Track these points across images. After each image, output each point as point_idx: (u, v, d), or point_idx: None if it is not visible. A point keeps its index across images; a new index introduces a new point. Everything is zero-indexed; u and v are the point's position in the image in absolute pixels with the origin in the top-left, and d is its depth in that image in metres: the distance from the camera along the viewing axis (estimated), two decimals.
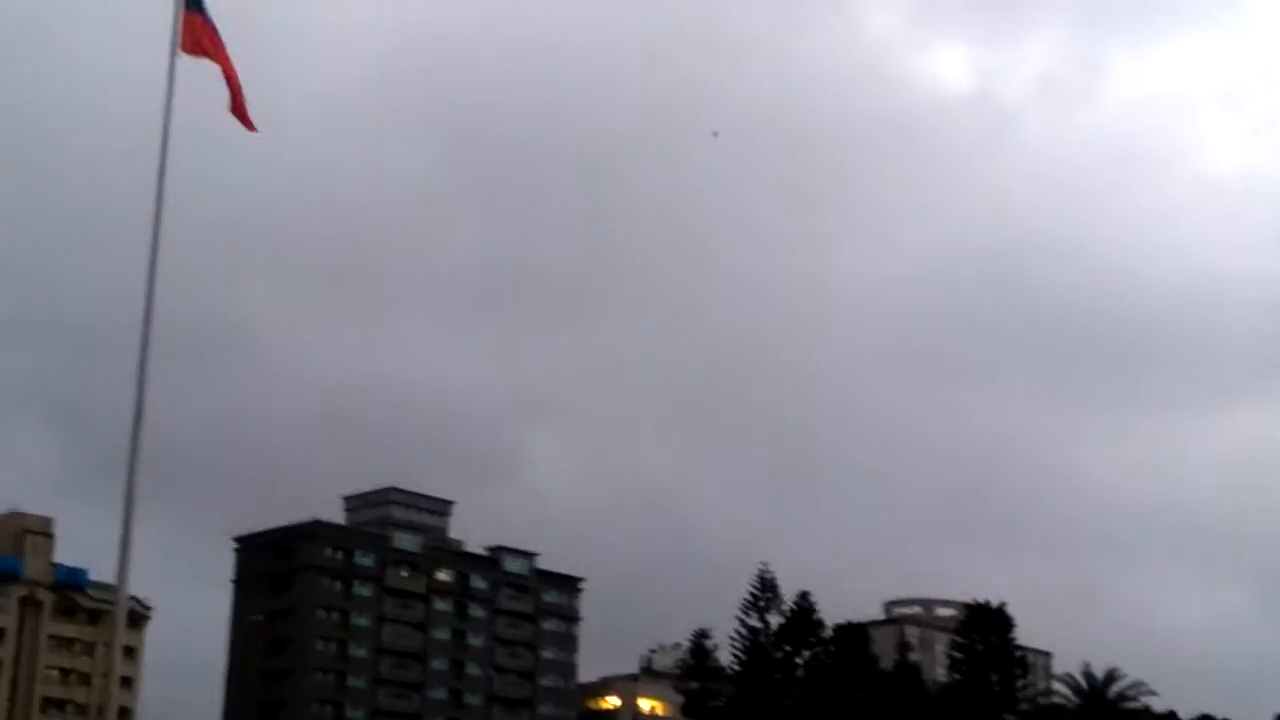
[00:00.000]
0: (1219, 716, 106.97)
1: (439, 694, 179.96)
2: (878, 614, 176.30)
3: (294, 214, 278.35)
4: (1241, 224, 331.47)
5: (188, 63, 28.64)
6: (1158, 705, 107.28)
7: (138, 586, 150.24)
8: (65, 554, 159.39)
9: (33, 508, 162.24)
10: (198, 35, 28.64)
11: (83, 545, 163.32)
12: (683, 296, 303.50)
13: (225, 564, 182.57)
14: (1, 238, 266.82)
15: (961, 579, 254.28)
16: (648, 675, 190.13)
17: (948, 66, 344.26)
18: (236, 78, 28.85)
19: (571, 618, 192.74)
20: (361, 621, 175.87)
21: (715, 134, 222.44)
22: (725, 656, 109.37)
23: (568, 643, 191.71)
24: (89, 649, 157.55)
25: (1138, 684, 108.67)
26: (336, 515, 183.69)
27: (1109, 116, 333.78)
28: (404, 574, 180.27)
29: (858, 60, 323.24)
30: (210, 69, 28.70)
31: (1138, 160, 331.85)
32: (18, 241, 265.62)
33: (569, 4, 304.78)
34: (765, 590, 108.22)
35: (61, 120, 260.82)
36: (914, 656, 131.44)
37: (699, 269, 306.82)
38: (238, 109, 28.86)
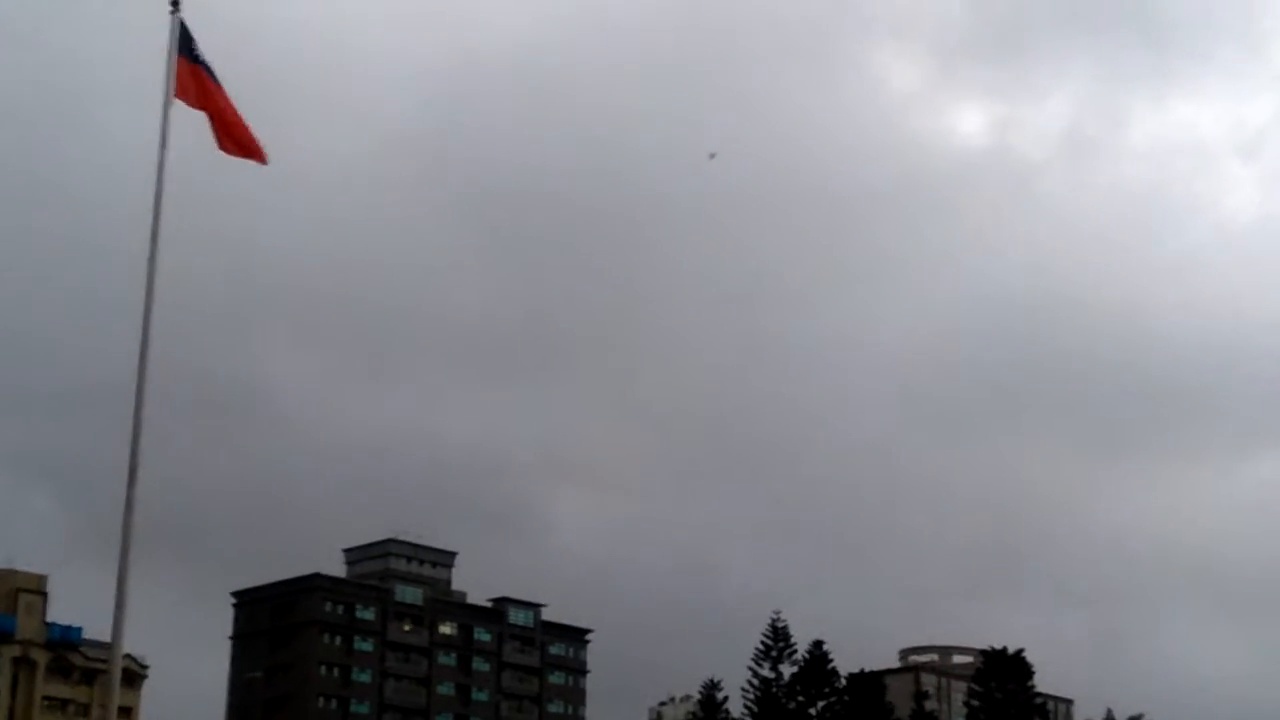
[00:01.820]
0: None
1: None
2: (893, 662, 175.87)
3: (311, 272, 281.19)
4: (1260, 273, 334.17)
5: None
6: None
7: (134, 645, 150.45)
8: (61, 613, 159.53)
9: (29, 567, 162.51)
10: (188, 83, 28.77)
11: (79, 604, 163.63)
12: (711, 356, 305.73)
13: (224, 620, 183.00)
14: (5, 306, 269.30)
15: (979, 627, 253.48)
16: None
17: (969, 123, 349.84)
18: (236, 114, 28.91)
19: (579, 670, 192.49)
20: (363, 677, 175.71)
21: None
22: (736, 708, 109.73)
23: (575, 696, 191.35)
24: (84, 709, 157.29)
25: None
26: (337, 569, 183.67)
27: (1130, 168, 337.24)
28: (406, 627, 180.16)
29: (881, 119, 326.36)
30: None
31: (1158, 211, 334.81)
32: (22, 308, 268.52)
33: (592, 64, 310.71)
34: (778, 639, 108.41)
35: (67, 180, 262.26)
36: (930, 705, 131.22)
37: (728, 330, 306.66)
38: (240, 146, 28.92)
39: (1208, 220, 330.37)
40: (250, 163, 29.64)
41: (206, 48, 29.05)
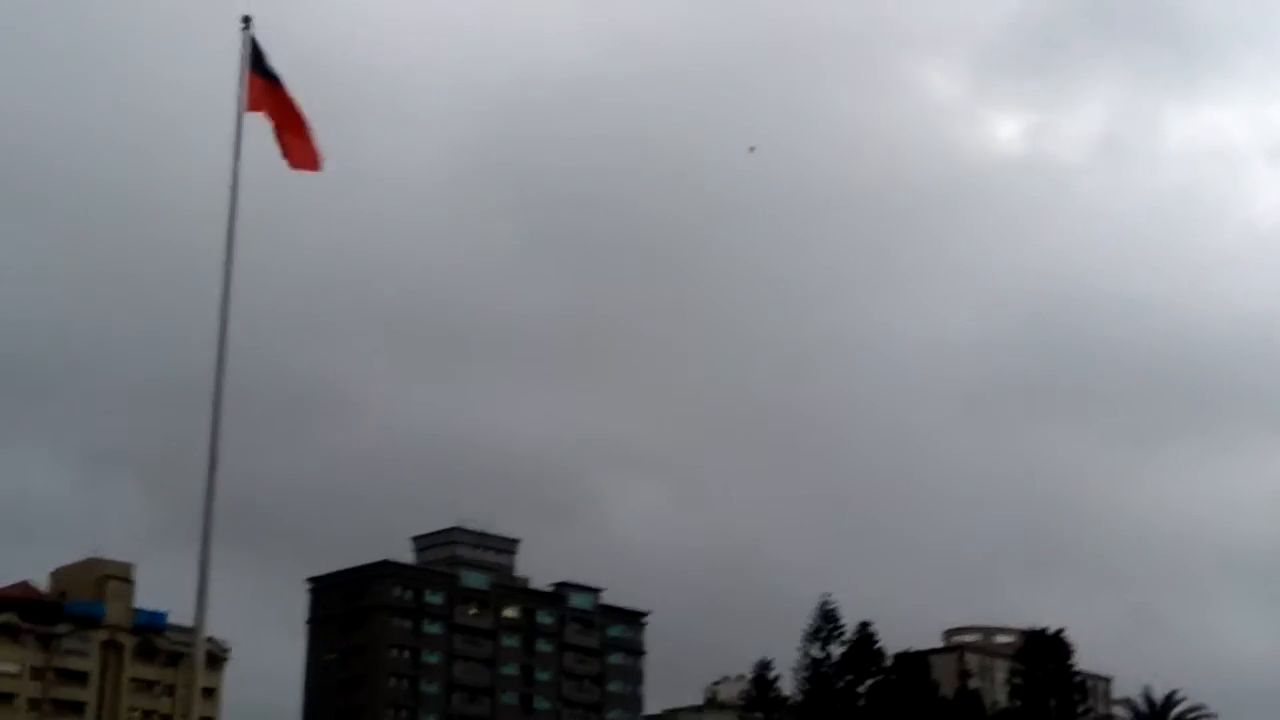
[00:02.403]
0: None
1: None
2: (938, 642, 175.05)
3: (381, 274, 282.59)
4: (1277, 274, 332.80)
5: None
6: None
7: (216, 629, 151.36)
8: (147, 599, 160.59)
9: (117, 556, 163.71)
10: (260, 96, 28.95)
11: (165, 591, 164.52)
12: (761, 351, 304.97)
13: (301, 605, 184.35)
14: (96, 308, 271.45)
15: (1021, 608, 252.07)
16: (712, 707, 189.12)
17: (1007, 130, 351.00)
18: (302, 124, 29.05)
19: (636, 651, 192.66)
20: (431, 658, 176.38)
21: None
22: (788, 686, 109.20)
23: (633, 675, 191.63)
24: (169, 690, 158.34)
25: (1198, 707, 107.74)
26: (406, 555, 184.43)
27: (1162, 171, 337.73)
28: (472, 611, 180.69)
29: (923, 127, 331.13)
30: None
31: (1189, 212, 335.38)
32: (110, 309, 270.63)
33: (643, 77, 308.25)
34: (827, 621, 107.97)
35: (152, 191, 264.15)
36: (974, 683, 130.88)
37: (776, 325, 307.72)
38: (302, 154, 29.08)
39: (1236, 220, 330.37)
40: (322, 172, 30.07)
41: (279, 63, 29.29)
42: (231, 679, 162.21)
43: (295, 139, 28.87)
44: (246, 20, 28.89)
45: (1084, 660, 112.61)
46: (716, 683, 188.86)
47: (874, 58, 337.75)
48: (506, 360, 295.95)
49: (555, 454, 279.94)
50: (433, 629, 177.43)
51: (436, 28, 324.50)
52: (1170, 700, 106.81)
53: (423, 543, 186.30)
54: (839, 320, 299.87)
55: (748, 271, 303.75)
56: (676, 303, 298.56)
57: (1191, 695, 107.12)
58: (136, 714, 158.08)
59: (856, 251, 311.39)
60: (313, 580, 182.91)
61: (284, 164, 28.93)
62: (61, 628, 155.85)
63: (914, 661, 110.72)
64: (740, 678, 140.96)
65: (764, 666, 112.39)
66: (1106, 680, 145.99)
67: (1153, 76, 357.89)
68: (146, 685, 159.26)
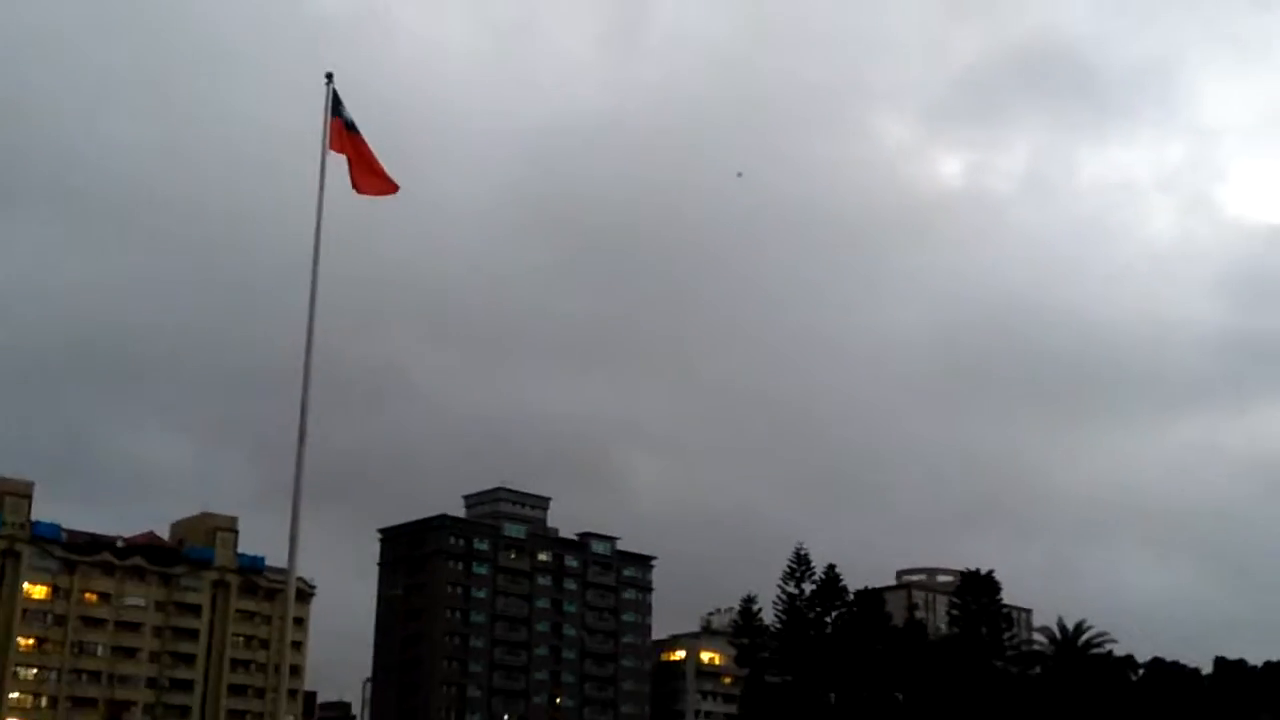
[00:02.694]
0: (1167, 659, 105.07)
1: (542, 651, 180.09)
2: (891, 581, 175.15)
3: (441, 282, 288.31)
4: (1177, 282, 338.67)
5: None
6: (1118, 651, 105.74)
7: (304, 569, 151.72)
8: (249, 546, 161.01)
9: (224, 510, 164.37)
10: (340, 137, 28.96)
11: (263, 539, 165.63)
12: (750, 345, 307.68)
13: (373, 551, 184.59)
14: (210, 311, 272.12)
15: (960, 554, 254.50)
16: (707, 633, 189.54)
17: (951, 167, 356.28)
18: (374, 159, 29.08)
19: (646, 589, 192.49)
20: (479, 594, 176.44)
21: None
22: (769, 617, 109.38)
23: (643, 608, 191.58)
24: (266, 620, 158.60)
25: (1102, 634, 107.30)
26: (458, 510, 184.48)
27: (1077, 202, 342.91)
28: (512, 556, 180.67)
29: (881, 164, 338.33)
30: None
31: (1099, 234, 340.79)
32: (221, 311, 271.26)
33: (655, 121, 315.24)
34: (800, 564, 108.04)
35: (259, 216, 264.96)
36: (920, 615, 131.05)
37: (764, 324, 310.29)
38: (373, 184, 29.10)
39: (1137, 240, 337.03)
40: (388, 197, 30.08)
41: (355, 110, 29.29)
42: (317, 610, 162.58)
43: (367, 172, 28.93)
44: (329, 76, 28.93)
45: (1010, 596, 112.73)
46: (710, 614, 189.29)
47: (842, 107, 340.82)
48: (541, 353, 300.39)
49: (581, 429, 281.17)
50: (480, 570, 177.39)
51: (484, 83, 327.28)
52: (1079, 628, 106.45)
53: (472, 500, 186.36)
54: (814, 321, 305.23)
55: (739, 281, 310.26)
56: (681, 306, 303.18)
57: (1096, 624, 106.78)
58: (240, 639, 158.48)
59: (828, 265, 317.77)
60: (383, 531, 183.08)
61: (353, 195, 29.06)
62: (179, 569, 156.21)
63: (871, 597, 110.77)
64: (730, 610, 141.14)
65: (749, 601, 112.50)
66: (1027, 612, 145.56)
67: (1069, 123, 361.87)
68: (248, 616, 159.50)
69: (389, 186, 29.27)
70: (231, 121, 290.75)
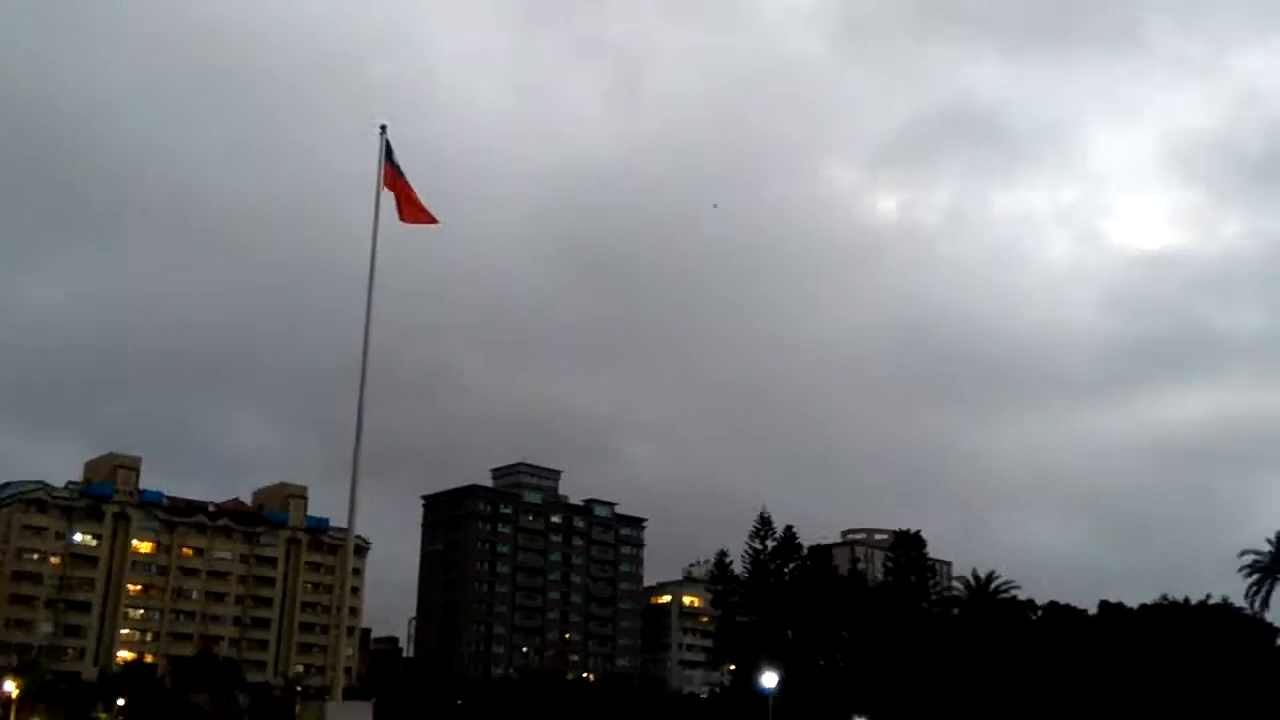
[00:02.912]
0: (1061, 603, 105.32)
1: (554, 596, 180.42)
2: (837, 539, 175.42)
3: (479, 295, 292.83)
4: (1071, 299, 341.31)
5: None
6: (1021, 595, 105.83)
7: (361, 529, 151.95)
8: (316, 509, 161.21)
9: (296, 481, 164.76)
10: (392, 178, 29.33)
11: (328, 504, 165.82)
12: (727, 347, 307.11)
13: (417, 514, 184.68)
14: (295, 316, 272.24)
15: (895, 517, 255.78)
16: (689, 581, 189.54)
17: (888, 204, 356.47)
18: (414, 194, 29.45)
19: (639, 545, 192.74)
20: (504, 549, 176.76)
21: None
22: (738, 568, 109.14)
23: (636, 561, 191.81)
24: (330, 570, 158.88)
25: (1008, 582, 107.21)
26: (487, 481, 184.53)
27: (989, 233, 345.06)
28: (530, 518, 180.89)
29: (833, 201, 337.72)
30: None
31: (1010, 260, 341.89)
32: (297, 321, 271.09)
33: (651, 165, 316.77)
34: (764, 525, 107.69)
35: (324, 246, 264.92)
36: (861, 566, 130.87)
37: (738, 330, 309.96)
38: (415, 215, 29.47)
39: (1039, 265, 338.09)
40: (437, 228, 30.51)
41: (404, 155, 29.61)
42: (371, 563, 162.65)
43: (412, 206, 29.31)
44: (383, 127, 29.21)
45: (934, 551, 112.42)
46: (691, 565, 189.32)
47: (802, 156, 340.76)
48: (558, 354, 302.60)
49: (588, 415, 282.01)
50: (504, 530, 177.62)
51: (513, 134, 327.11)
52: (990, 577, 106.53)
53: (498, 473, 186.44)
54: (779, 328, 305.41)
55: (719, 295, 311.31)
56: (672, 316, 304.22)
57: (1004, 574, 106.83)
58: (308, 585, 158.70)
59: (790, 282, 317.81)
60: (425, 497, 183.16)
61: (403, 223, 29.43)
62: (260, 529, 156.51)
63: (821, 552, 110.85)
64: (707, 562, 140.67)
65: (722, 555, 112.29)
66: (948, 564, 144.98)
67: (984, 169, 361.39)
68: (315, 567, 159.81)
69: (430, 219, 29.66)
70: (303, 163, 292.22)
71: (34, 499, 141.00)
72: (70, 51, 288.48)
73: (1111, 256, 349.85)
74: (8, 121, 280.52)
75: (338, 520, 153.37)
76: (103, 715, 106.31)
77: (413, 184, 29.43)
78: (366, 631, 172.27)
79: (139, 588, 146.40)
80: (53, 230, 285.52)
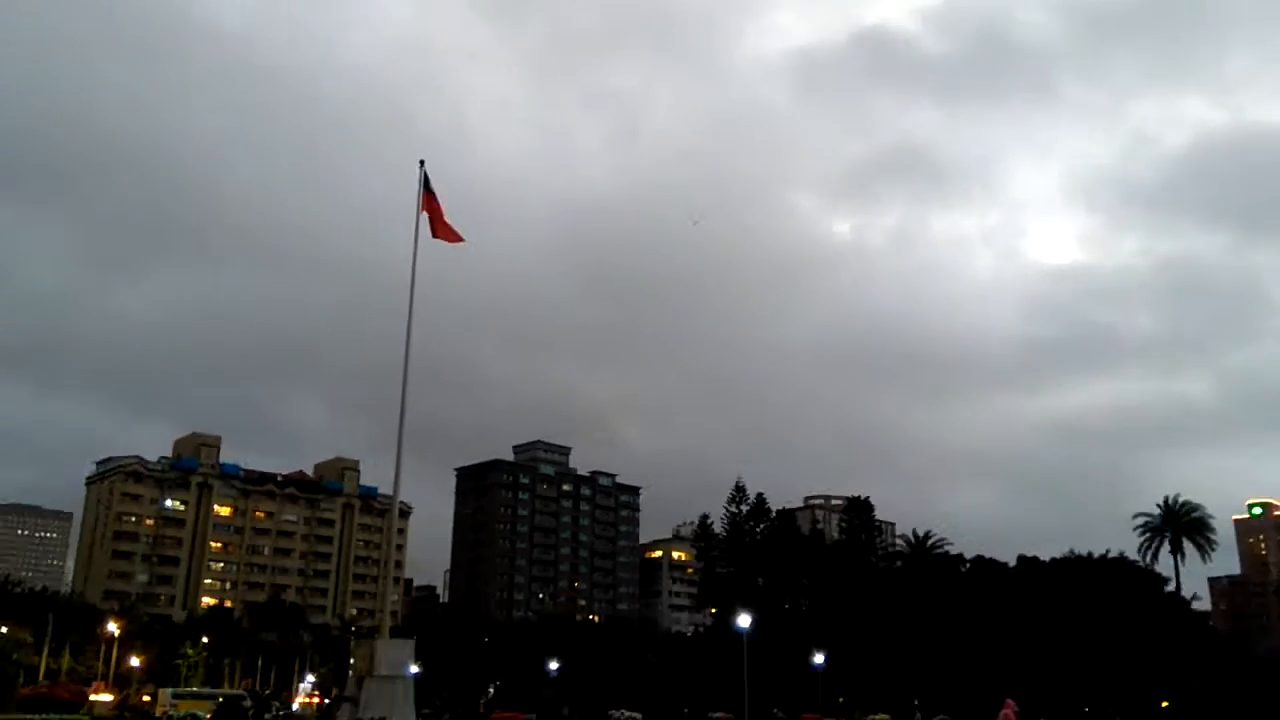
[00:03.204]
0: (985, 556, 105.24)
1: (565, 551, 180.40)
2: (800, 503, 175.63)
3: (501, 303, 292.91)
4: (993, 305, 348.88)
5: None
6: (952, 550, 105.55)
7: (405, 496, 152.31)
8: (368, 479, 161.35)
9: (350, 455, 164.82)
10: (430, 203, 29.27)
11: (378, 475, 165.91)
12: (710, 343, 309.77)
13: (451, 484, 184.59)
14: (351, 317, 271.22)
15: (848, 486, 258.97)
16: (677, 539, 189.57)
17: (843, 228, 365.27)
18: (445, 217, 29.42)
19: (635, 509, 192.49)
20: (523, 513, 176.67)
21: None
22: (718, 528, 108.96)
23: (633, 522, 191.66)
24: (378, 530, 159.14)
25: (942, 539, 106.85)
26: (508, 456, 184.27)
27: (928, 251, 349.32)
28: (545, 487, 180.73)
29: (797, 224, 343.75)
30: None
31: (945, 274, 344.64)
32: (355, 328, 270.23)
33: (645, 192, 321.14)
34: (739, 492, 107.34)
35: (373, 260, 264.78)
36: (820, 526, 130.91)
37: (719, 334, 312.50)
38: (446, 234, 29.41)
39: (968, 277, 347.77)
40: (471, 247, 30.50)
41: (439, 185, 29.56)
42: (413, 524, 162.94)
43: (444, 226, 29.28)
44: (421, 162, 29.25)
45: (881, 514, 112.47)
46: (679, 526, 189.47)
47: (771, 187, 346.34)
48: (570, 352, 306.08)
49: (594, 402, 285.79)
50: (523, 497, 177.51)
51: (533, 169, 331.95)
52: (927, 535, 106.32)
53: (518, 449, 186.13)
54: (753, 328, 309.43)
55: (704, 301, 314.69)
56: (664, 318, 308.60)
57: (938, 532, 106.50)
58: (361, 543, 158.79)
59: (759, 292, 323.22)
60: (458, 470, 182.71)
61: (435, 241, 29.43)
62: (320, 496, 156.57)
63: (787, 515, 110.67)
64: (692, 523, 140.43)
65: (705, 517, 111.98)
66: (893, 525, 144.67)
67: (923, 199, 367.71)
68: (366, 528, 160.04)
69: (457, 238, 29.63)
70: (358, 192, 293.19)
71: (132, 471, 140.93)
72: (168, 96, 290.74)
73: (1027, 270, 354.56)
74: (120, 159, 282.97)
75: (385, 488, 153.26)
76: (190, 651, 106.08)
77: (448, 210, 29.47)
78: (409, 581, 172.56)
79: (219, 545, 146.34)
80: (154, 249, 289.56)
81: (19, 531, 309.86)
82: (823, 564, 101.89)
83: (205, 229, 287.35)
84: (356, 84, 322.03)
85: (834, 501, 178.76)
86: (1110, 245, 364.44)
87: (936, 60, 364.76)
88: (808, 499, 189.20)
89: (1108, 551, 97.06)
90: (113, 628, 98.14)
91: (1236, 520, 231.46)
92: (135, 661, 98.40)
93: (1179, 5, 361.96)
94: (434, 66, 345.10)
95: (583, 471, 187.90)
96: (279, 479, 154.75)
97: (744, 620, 64.28)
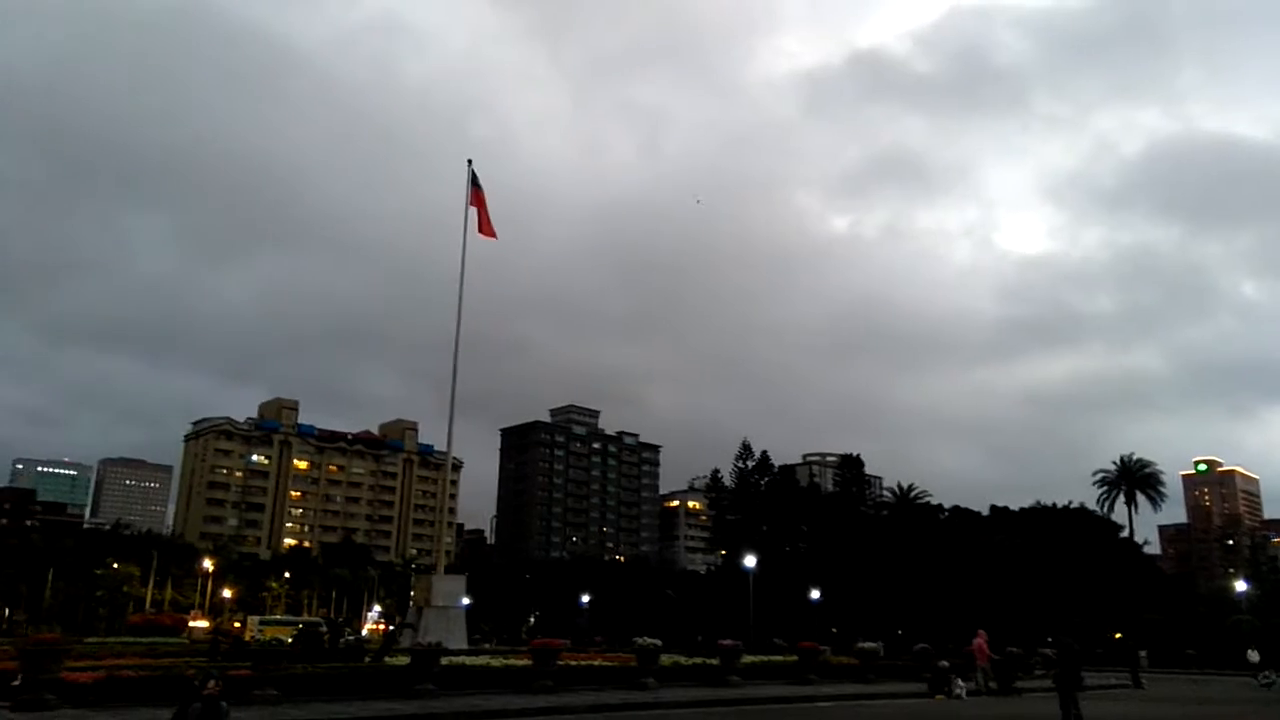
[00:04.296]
0: (962, 506, 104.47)
1: (595, 500, 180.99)
2: (799, 460, 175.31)
3: (549, 291, 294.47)
4: (971, 289, 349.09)
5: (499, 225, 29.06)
6: (933, 501, 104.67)
7: (457, 452, 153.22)
8: (426, 438, 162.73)
9: (411, 418, 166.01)
10: (477, 199, 29.14)
11: (434, 434, 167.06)
12: (722, 324, 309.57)
13: (496, 442, 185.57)
14: (412, 301, 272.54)
15: (841, 444, 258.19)
16: (692, 491, 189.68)
17: (840, 224, 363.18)
18: (486, 211, 29.32)
19: (656, 465, 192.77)
20: (559, 468, 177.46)
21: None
22: (728, 481, 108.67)
23: (654, 476, 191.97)
24: (434, 482, 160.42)
25: (924, 491, 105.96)
26: (546, 418, 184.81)
27: (913, 243, 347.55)
28: (578, 445, 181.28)
29: (798, 221, 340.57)
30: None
31: (929, 263, 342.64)
32: (414, 302, 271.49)
33: (664, 191, 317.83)
34: (746, 450, 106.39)
35: (427, 250, 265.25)
36: (816, 480, 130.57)
37: (729, 315, 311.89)
38: (487, 231, 29.31)
39: (948, 266, 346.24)
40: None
41: (486, 183, 29.43)
42: (464, 479, 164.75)
43: (486, 224, 29.28)
44: (470, 161, 29.10)
45: (870, 469, 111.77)
46: (694, 480, 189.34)
47: (776, 187, 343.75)
48: (601, 331, 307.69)
49: (622, 372, 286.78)
50: (559, 454, 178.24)
51: (571, 173, 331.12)
52: (910, 488, 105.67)
53: (555, 412, 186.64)
54: (758, 311, 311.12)
55: (716, 289, 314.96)
56: (682, 303, 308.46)
57: (921, 485, 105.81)
58: (419, 493, 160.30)
59: (766, 280, 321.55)
60: (503, 430, 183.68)
61: (482, 237, 29.27)
62: (384, 452, 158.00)
63: (787, 470, 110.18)
64: (705, 477, 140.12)
65: (716, 472, 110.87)
66: (880, 479, 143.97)
67: (909, 196, 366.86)
68: (424, 480, 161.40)
69: (493, 234, 29.60)
70: (421, 195, 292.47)
71: (223, 430, 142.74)
72: (265, 115, 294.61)
73: (1002, 259, 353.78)
74: (223, 168, 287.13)
75: (440, 446, 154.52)
76: (273, 584, 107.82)
77: (497, 208, 29.44)
78: (460, 525, 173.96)
79: (298, 494, 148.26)
80: (248, 241, 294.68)
81: (127, 482, 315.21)
82: (818, 512, 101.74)
83: (291, 224, 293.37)
84: (418, 102, 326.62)
85: (829, 458, 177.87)
86: (1075, 237, 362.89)
87: (923, 77, 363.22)
88: (806, 456, 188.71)
89: (1070, 503, 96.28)
90: (207, 564, 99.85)
91: (1184, 476, 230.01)
92: (227, 593, 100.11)
93: (1137, 29, 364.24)
94: (485, 87, 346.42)
95: (610, 432, 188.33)
96: (349, 437, 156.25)
97: (750, 561, 64.54)
